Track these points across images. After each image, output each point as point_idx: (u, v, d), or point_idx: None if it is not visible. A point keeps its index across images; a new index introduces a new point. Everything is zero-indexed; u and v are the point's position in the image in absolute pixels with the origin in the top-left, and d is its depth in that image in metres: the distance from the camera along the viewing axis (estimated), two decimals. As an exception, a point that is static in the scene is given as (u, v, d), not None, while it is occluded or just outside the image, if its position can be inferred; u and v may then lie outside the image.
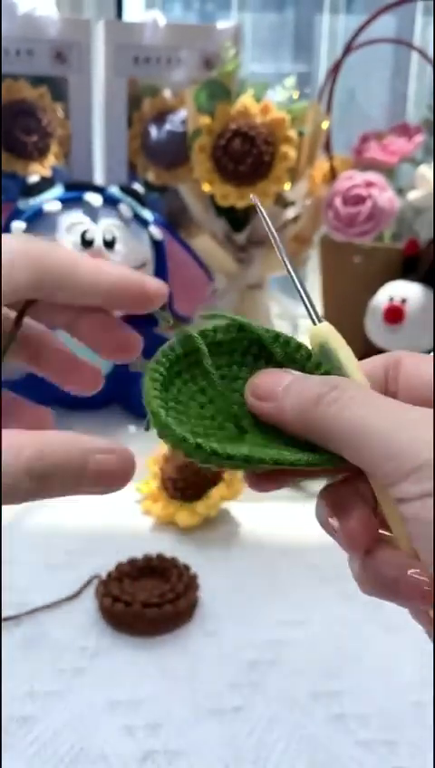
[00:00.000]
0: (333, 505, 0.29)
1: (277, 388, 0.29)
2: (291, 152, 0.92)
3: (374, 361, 0.31)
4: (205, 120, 0.92)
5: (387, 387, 0.30)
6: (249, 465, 0.28)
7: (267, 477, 0.30)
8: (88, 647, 0.55)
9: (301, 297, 0.31)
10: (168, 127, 1.02)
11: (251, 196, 0.34)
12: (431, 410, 0.27)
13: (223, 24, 1.04)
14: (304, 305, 0.31)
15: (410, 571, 0.27)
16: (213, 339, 0.31)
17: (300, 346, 0.31)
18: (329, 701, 0.51)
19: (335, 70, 1.06)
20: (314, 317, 0.31)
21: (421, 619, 0.29)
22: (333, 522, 0.29)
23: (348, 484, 0.29)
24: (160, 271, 0.91)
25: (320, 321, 0.31)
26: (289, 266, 0.32)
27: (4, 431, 0.26)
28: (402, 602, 0.28)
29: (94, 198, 0.85)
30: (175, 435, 0.27)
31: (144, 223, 0.90)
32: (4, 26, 0.93)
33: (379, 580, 0.28)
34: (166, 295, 0.31)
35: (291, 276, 0.32)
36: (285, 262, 0.32)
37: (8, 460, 0.26)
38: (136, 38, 1.00)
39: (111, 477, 0.28)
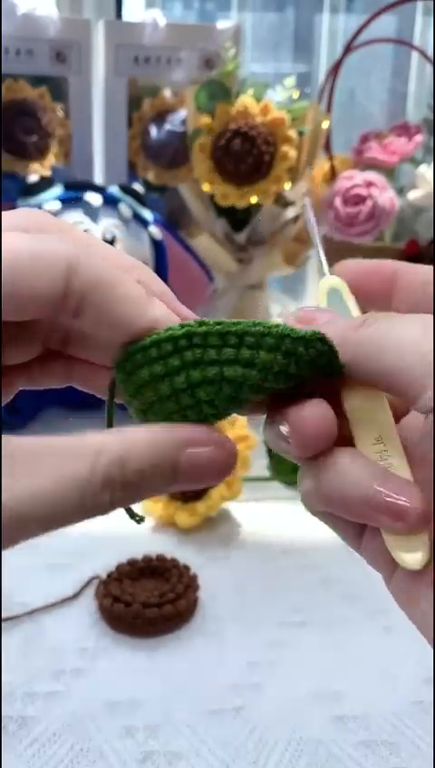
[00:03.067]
0: (283, 409, 0.26)
1: (316, 318, 0.27)
2: (291, 152, 0.92)
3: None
4: (205, 120, 0.92)
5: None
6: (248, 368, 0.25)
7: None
8: (88, 647, 0.55)
9: (317, 249, 0.32)
10: (168, 127, 1.01)
11: (306, 200, 0.36)
12: None
13: (223, 24, 1.03)
14: (319, 257, 0.31)
15: (377, 486, 0.24)
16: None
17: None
18: (329, 701, 0.51)
19: (335, 70, 1.06)
20: (327, 270, 0.31)
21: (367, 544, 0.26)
22: (284, 428, 0.25)
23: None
24: (160, 271, 0.91)
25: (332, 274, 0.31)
26: (312, 219, 0.33)
27: (72, 436, 0.23)
28: (356, 517, 0.25)
29: (94, 198, 0.85)
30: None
31: (144, 223, 0.90)
32: (4, 26, 0.92)
33: (336, 491, 0.25)
34: None
35: (312, 230, 0.33)
36: (310, 221, 0.33)
37: (80, 472, 0.22)
38: (136, 38, 1.00)
39: (208, 472, 0.25)
